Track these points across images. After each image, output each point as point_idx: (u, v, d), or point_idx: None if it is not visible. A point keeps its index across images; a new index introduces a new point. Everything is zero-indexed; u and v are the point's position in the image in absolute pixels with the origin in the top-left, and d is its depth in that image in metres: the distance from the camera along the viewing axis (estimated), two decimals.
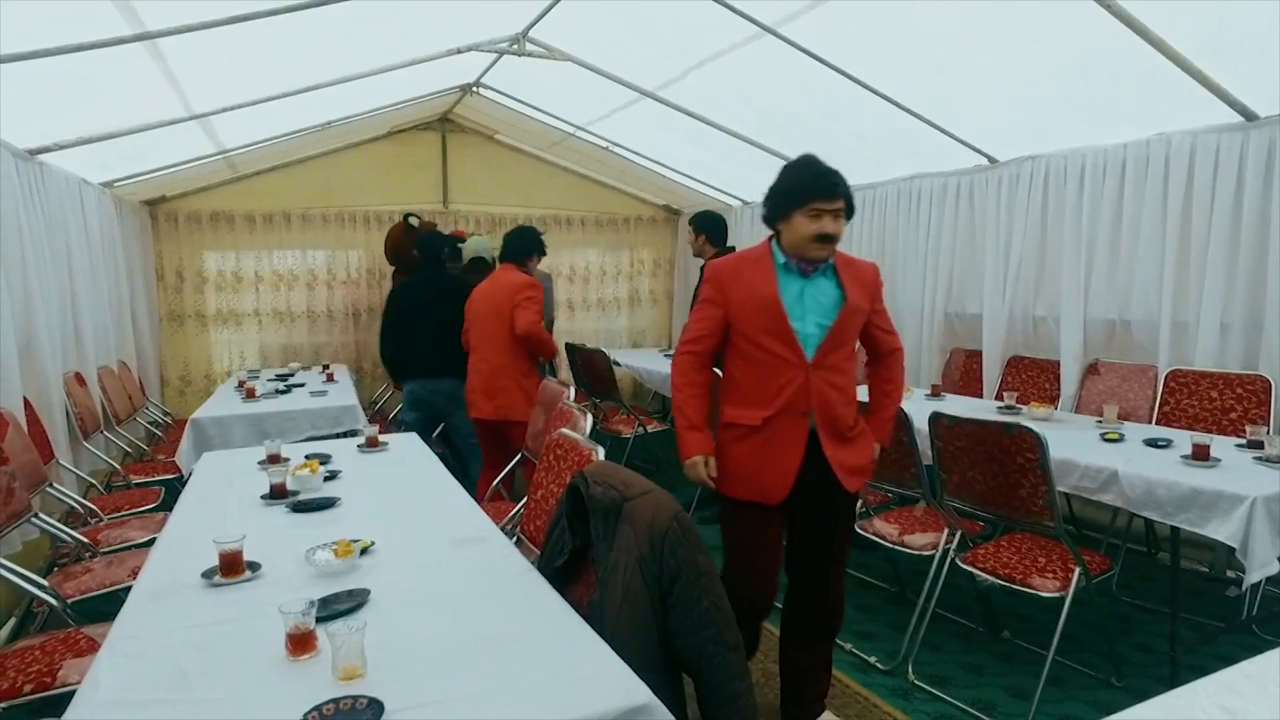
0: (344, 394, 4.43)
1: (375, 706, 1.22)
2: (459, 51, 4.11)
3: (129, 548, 2.87)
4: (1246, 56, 2.77)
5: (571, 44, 4.17)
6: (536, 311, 3.79)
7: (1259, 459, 2.62)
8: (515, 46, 4.13)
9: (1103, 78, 3.19)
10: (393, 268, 5.79)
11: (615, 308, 7.24)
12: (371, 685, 1.30)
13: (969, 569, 2.64)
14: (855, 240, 5.29)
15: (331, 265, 6.17)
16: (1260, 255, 3.21)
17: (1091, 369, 3.90)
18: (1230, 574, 3.33)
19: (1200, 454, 2.56)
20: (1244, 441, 2.82)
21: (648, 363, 5.78)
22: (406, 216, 5.68)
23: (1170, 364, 3.50)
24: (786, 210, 2.10)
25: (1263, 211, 3.18)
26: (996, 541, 2.77)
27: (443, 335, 4.11)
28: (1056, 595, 2.41)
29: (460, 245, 4.65)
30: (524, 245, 3.91)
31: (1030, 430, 2.40)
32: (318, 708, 1.23)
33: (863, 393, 2.30)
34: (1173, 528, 2.49)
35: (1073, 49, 3.02)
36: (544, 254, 4.04)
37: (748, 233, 6.36)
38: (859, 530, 3.04)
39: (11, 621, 2.98)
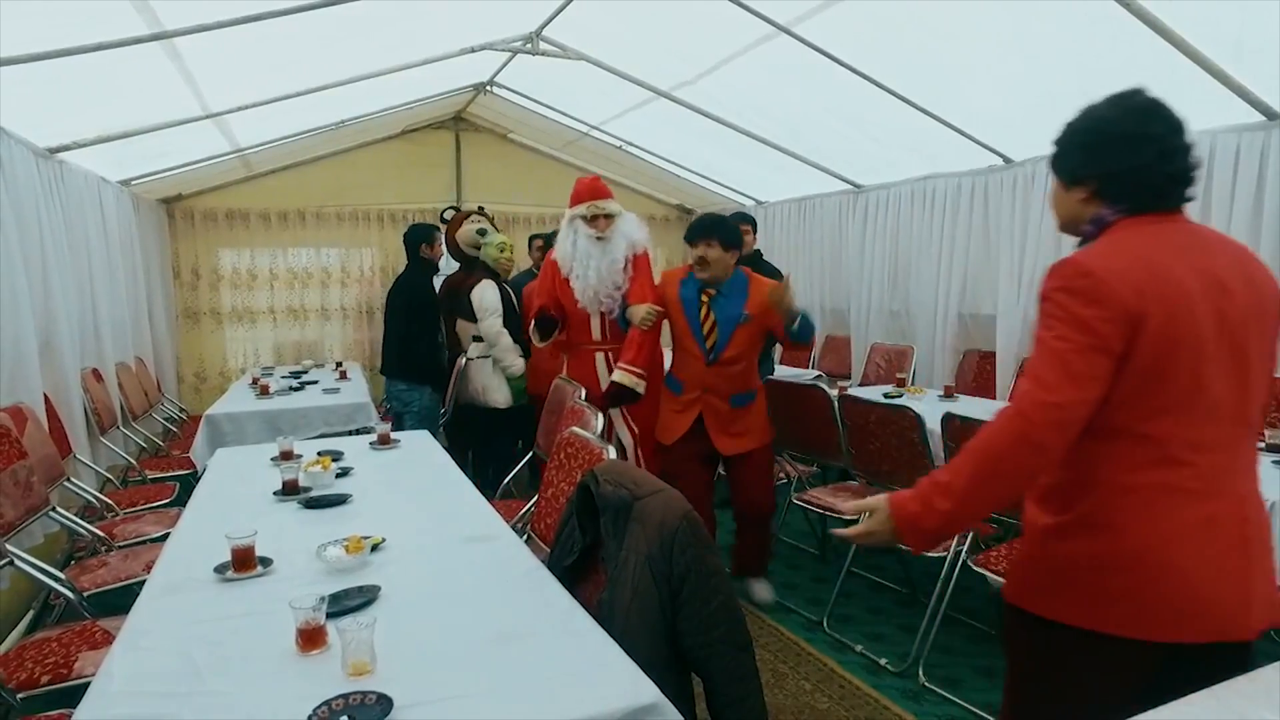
0: (356, 392, 4.46)
1: (384, 702, 1.22)
2: (472, 50, 4.13)
3: (144, 542, 2.90)
4: (1268, 55, 2.73)
5: (585, 43, 4.17)
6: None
7: (1279, 463, 2.58)
8: (529, 45, 4.14)
9: (1120, 76, 3.12)
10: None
11: None
12: (380, 681, 1.30)
13: (981, 571, 2.62)
14: (868, 241, 5.27)
15: (345, 263, 6.21)
16: None
17: None
18: None
19: None
20: (1263, 445, 2.78)
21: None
22: (444, 211, 5.70)
23: None
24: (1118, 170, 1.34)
25: None
26: (1009, 543, 2.74)
27: (398, 337, 4.18)
28: None
29: (437, 229, 4.61)
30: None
31: None
32: (327, 703, 1.23)
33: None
34: None
35: (1090, 47, 2.99)
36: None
37: (763, 235, 6.34)
38: None
39: (30, 613, 3.02)
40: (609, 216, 3.32)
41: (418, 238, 4.39)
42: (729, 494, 3.32)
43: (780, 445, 3.51)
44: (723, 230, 3.04)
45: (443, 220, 5.51)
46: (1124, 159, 1.34)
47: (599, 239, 3.29)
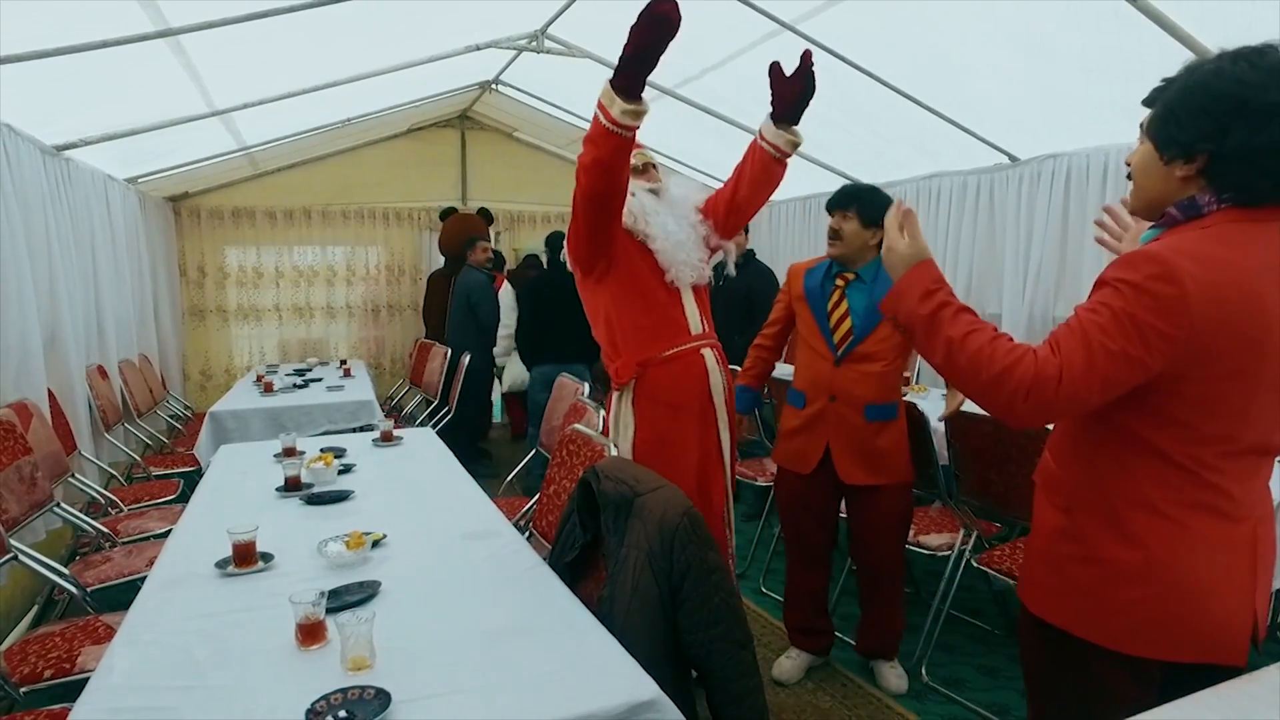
0: (360, 389, 4.47)
1: (382, 697, 1.22)
2: (478, 48, 4.13)
3: (147, 538, 2.90)
4: None
5: (590, 41, 4.17)
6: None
7: None
8: (534, 43, 4.14)
9: (1127, 74, 3.14)
10: (443, 258, 5.78)
11: None
12: (379, 676, 1.30)
13: (985, 570, 2.61)
14: None
15: (351, 262, 6.23)
16: None
17: None
18: None
19: None
20: None
21: None
22: (480, 211, 5.87)
23: None
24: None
25: None
26: (1013, 543, 2.73)
27: (572, 325, 4.24)
28: None
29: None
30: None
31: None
32: (325, 697, 1.24)
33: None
34: None
35: (1096, 45, 2.97)
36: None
37: (767, 234, 6.33)
38: None
39: (34, 609, 3.04)
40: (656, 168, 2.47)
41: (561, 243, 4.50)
42: (848, 542, 2.68)
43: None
44: (863, 201, 2.42)
45: (482, 215, 5.65)
46: (1258, 134, 1.08)
47: (653, 191, 2.38)
